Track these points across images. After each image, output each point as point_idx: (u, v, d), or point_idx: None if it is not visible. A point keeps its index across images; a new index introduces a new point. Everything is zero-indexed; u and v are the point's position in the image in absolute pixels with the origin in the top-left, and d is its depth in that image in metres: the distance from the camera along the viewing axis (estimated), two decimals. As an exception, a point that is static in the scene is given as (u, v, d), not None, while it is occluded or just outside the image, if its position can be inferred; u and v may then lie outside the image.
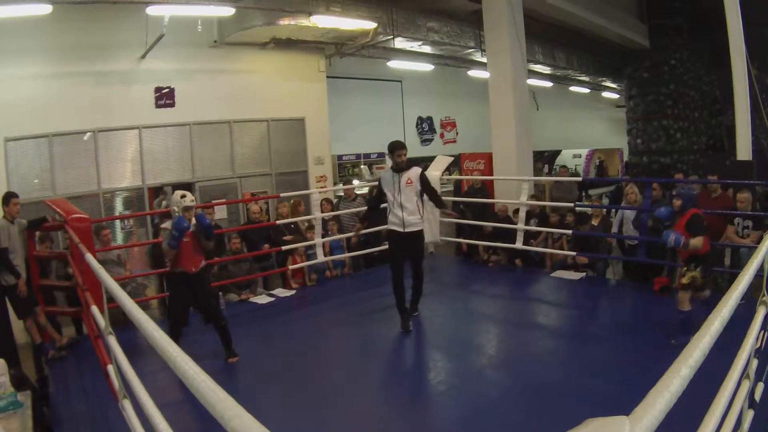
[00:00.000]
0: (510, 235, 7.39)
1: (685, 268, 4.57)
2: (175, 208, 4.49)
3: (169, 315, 4.86)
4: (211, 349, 4.75)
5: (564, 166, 13.87)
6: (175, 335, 4.47)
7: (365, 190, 9.21)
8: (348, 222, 7.94)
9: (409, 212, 5.17)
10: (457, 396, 4.01)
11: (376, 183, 5.94)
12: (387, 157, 12.54)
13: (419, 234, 5.30)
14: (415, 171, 5.24)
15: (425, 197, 5.38)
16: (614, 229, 6.84)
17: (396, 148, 5.21)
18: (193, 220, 4.53)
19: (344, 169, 12.10)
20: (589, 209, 7.37)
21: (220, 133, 9.39)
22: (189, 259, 4.55)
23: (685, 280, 4.54)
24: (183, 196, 4.53)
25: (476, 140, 13.24)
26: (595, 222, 6.94)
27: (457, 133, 15.44)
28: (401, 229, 5.22)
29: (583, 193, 10.38)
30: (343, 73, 11.69)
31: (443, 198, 7.84)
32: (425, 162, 9.10)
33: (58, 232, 6.37)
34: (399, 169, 5.22)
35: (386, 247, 7.49)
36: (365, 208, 7.75)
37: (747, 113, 6.67)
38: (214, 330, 4.71)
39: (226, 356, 4.68)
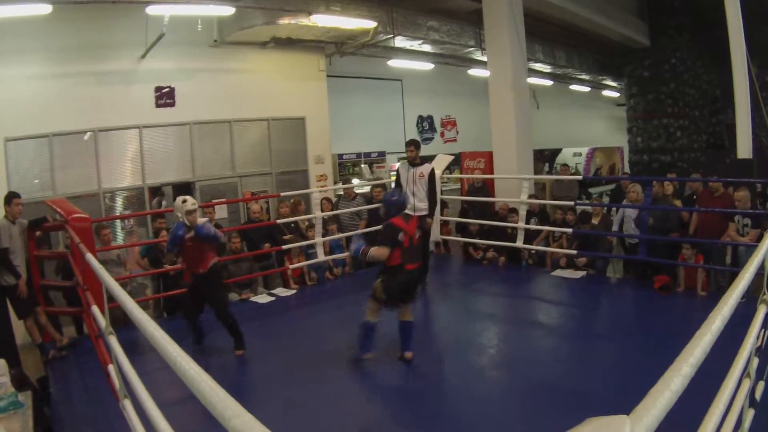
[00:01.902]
0: (507, 234, 7.42)
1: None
2: (179, 214, 4.61)
3: (184, 310, 5.02)
4: (213, 348, 4.76)
5: (565, 165, 13.86)
6: (193, 324, 4.81)
7: (366, 189, 9.21)
8: (348, 222, 7.94)
9: (419, 199, 6.18)
10: (458, 395, 4.01)
11: (376, 182, 6.33)
12: (388, 156, 12.71)
13: (426, 217, 6.15)
14: (427, 167, 6.24)
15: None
16: (615, 228, 6.84)
17: (406, 145, 6.40)
18: (192, 231, 4.62)
19: (344, 168, 12.09)
20: (590, 208, 7.37)
21: (220, 133, 9.39)
22: (195, 261, 4.70)
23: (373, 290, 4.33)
24: (184, 201, 4.64)
25: (477, 139, 13.23)
26: (595, 221, 6.95)
27: (457, 132, 15.43)
28: (411, 212, 5.89)
29: (583, 194, 10.36)
30: (343, 72, 11.68)
31: (444, 198, 7.84)
32: (426, 161, 9.09)
33: (58, 233, 6.37)
34: (413, 163, 6.23)
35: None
36: (367, 206, 7.81)
37: (747, 111, 6.67)
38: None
39: (234, 347, 4.75)
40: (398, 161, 8.77)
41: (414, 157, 6.24)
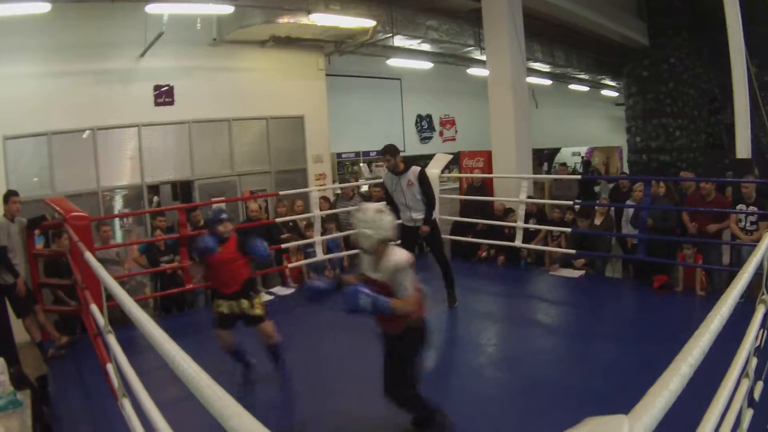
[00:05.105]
0: (504, 233, 7.43)
1: (257, 298, 4.33)
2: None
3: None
4: (212, 349, 4.75)
5: (564, 164, 13.86)
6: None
7: (365, 188, 9.21)
8: (346, 221, 7.93)
9: (416, 211, 5.45)
10: (457, 395, 4.01)
11: (375, 182, 6.01)
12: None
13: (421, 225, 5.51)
14: (414, 171, 5.37)
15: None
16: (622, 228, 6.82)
17: (380, 154, 5.54)
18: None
19: (343, 167, 12.08)
20: (592, 206, 7.36)
21: (219, 131, 9.38)
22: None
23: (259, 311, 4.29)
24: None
25: (476, 138, 13.21)
26: (597, 221, 6.91)
27: (456, 131, 15.42)
28: (412, 224, 5.53)
29: (583, 194, 10.32)
30: (342, 71, 11.67)
31: (444, 197, 7.79)
32: (425, 160, 9.08)
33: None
34: (395, 171, 5.40)
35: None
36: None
37: (746, 111, 6.67)
38: None
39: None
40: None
41: (393, 165, 5.37)
